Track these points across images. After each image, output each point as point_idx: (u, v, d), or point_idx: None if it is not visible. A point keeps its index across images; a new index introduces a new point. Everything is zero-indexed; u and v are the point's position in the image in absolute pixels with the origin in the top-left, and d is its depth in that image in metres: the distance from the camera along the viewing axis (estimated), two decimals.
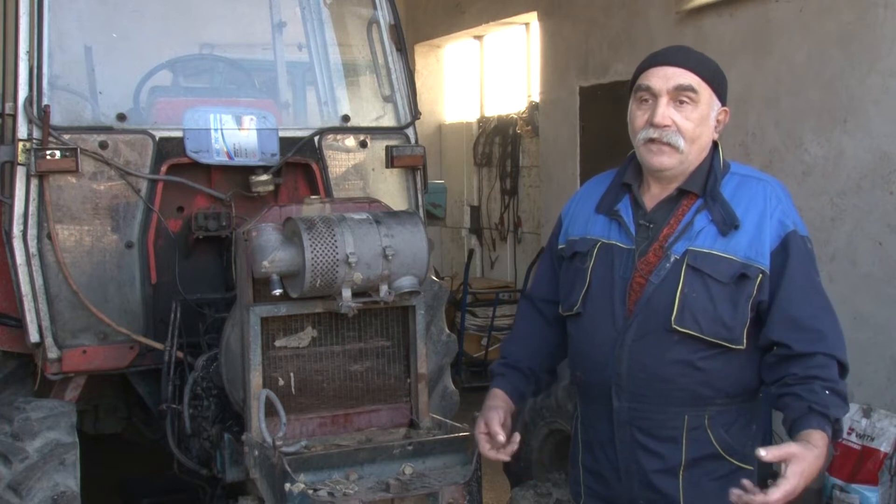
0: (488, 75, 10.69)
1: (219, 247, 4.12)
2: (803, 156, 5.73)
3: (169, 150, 3.99)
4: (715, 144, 2.59)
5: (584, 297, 2.59)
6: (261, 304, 3.31)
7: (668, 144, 2.49)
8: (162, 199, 4.00)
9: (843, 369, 2.42)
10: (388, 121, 4.48)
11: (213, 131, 4.05)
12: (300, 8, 4.77)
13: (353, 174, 4.34)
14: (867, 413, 5.07)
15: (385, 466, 3.18)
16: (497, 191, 9.92)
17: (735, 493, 2.21)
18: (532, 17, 9.07)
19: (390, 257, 3.23)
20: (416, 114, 4.45)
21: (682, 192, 2.55)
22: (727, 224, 2.47)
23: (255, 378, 3.28)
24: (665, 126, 2.48)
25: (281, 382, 3.37)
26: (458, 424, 3.45)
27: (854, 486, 4.99)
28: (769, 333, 2.45)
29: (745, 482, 2.23)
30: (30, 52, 3.80)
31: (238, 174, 4.11)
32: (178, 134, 4.01)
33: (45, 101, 3.77)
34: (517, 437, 2.56)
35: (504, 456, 2.57)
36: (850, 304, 5.22)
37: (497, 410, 2.62)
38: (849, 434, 5.09)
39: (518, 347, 2.80)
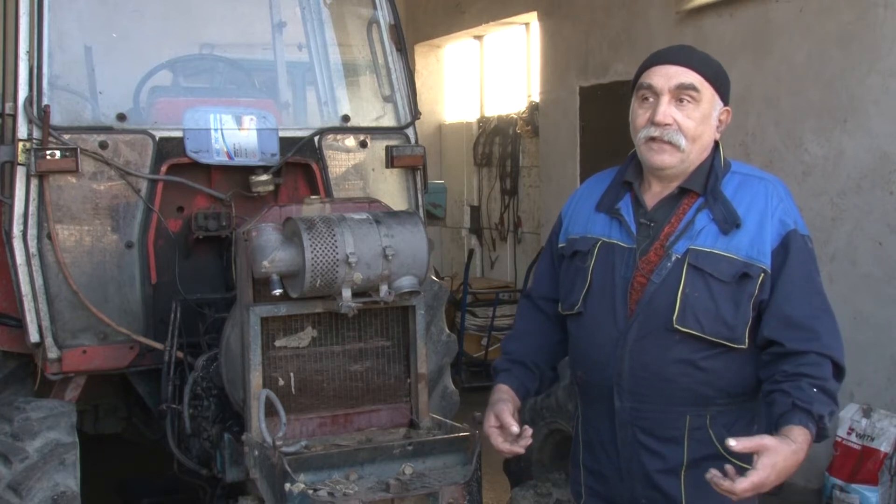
0: (488, 75, 10.69)
1: (219, 247, 4.12)
2: (803, 156, 5.73)
3: (169, 150, 3.99)
4: (716, 144, 2.59)
5: (585, 297, 2.59)
6: (261, 304, 3.31)
7: (670, 143, 2.49)
8: (162, 199, 4.00)
9: (838, 370, 2.40)
10: (388, 121, 4.48)
11: (213, 131, 4.05)
12: (300, 8, 4.77)
13: (353, 174, 4.34)
14: (867, 413, 5.07)
15: (385, 466, 3.18)
16: (497, 191, 9.92)
17: (712, 471, 2.22)
18: (532, 17, 9.07)
19: (390, 257, 3.23)
20: (416, 114, 4.45)
21: (683, 191, 2.55)
22: (728, 223, 2.47)
23: (255, 378, 3.28)
24: (666, 125, 2.48)
25: (281, 382, 3.37)
26: (458, 424, 3.45)
27: (854, 486, 4.99)
28: (764, 331, 2.45)
29: (728, 467, 2.23)
30: (30, 52, 3.80)
31: (238, 174, 4.11)
32: (178, 134, 4.01)
33: (45, 101, 3.77)
34: (529, 429, 2.55)
35: (519, 448, 2.56)
36: (850, 304, 5.22)
37: (506, 403, 2.61)
38: (849, 434, 5.10)
39: (520, 345, 2.79)
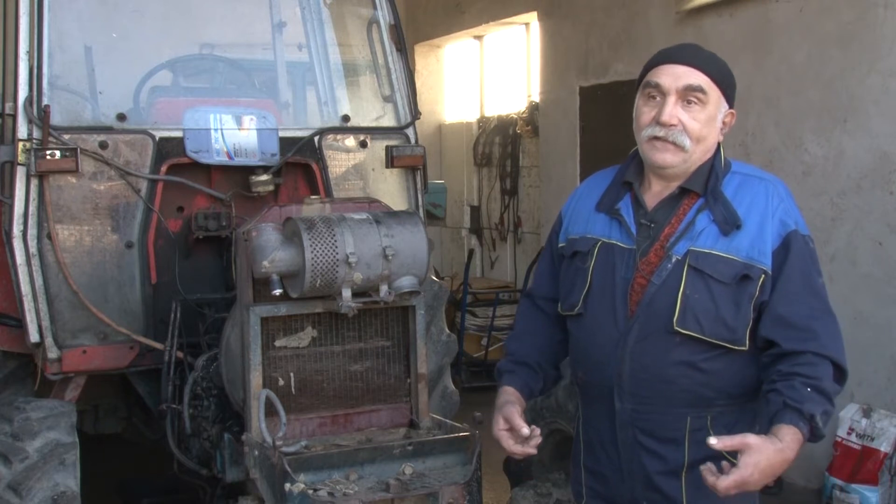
0: (488, 75, 10.69)
1: (219, 247, 4.12)
2: (803, 156, 5.73)
3: (169, 150, 3.99)
4: (717, 144, 2.58)
5: (586, 298, 2.58)
6: (261, 304, 3.31)
7: (673, 143, 2.48)
8: (162, 199, 4.00)
9: (838, 371, 2.39)
10: (388, 121, 4.48)
11: (213, 131, 4.05)
12: (300, 8, 4.77)
13: (353, 174, 4.34)
14: (867, 413, 5.07)
15: (385, 466, 3.18)
16: (497, 191, 9.92)
17: (706, 464, 2.23)
18: (532, 17, 9.07)
19: (390, 257, 3.23)
20: (416, 114, 4.45)
21: (683, 192, 2.54)
22: (729, 224, 2.46)
23: (255, 378, 3.28)
24: (672, 125, 2.47)
25: (281, 382, 3.37)
26: (458, 424, 3.45)
27: (854, 486, 4.99)
28: (762, 331, 2.44)
29: (724, 463, 2.23)
30: (30, 52, 3.80)
31: (238, 174, 4.11)
32: (178, 134, 4.01)
33: (45, 101, 3.77)
34: (537, 429, 2.55)
35: (531, 449, 2.55)
36: (850, 304, 5.22)
37: (514, 405, 2.60)
38: (849, 434, 5.10)
39: (523, 345, 2.78)
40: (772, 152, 5.92)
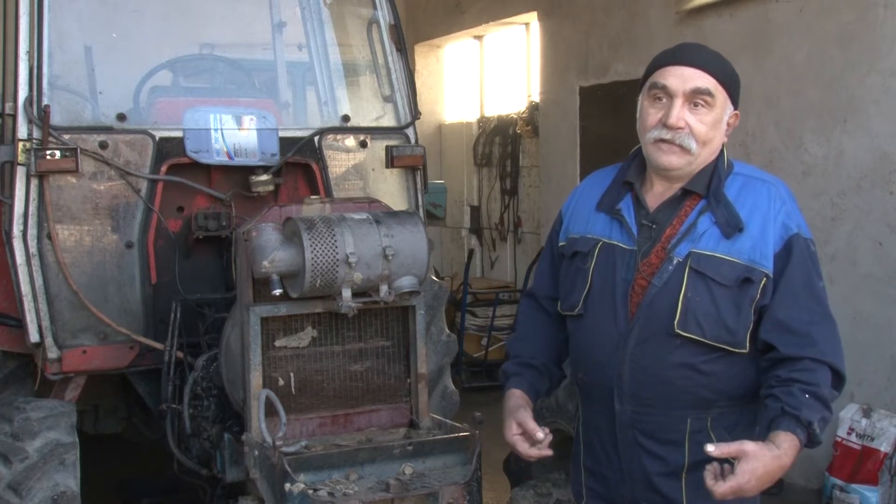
0: (488, 75, 10.69)
1: (219, 247, 4.12)
2: (803, 156, 5.73)
3: (169, 150, 3.99)
4: (721, 145, 2.56)
5: (586, 298, 2.57)
6: (261, 304, 3.31)
7: (680, 146, 2.46)
8: (162, 199, 4.00)
9: (836, 377, 2.38)
10: (388, 121, 4.48)
11: (213, 131, 4.05)
12: (300, 8, 4.77)
13: (353, 174, 4.34)
14: (867, 413, 5.07)
15: (385, 466, 3.18)
16: (497, 191, 9.92)
17: (708, 466, 2.24)
18: (532, 17, 9.07)
19: (390, 257, 3.23)
20: (416, 114, 4.45)
21: (685, 193, 2.53)
22: (731, 226, 2.44)
23: (255, 378, 3.28)
24: (679, 128, 2.45)
25: (281, 382, 3.37)
26: (458, 424, 3.45)
27: (854, 486, 4.99)
28: (762, 334, 2.44)
29: (726, 467, 2.23)
30: (30, 52, 3.80)
31: (238, 174, 4.11)
32: (178, 134, 4.01)
33: (45, 101, 3.77)
34: (548, 430, 2.54)
35: (547, 451, 2.54)
36: (850, 304, 5.22)
37: (525, 409, 2.59)
38: (849, 434, 5.10)
39: (528, 345, 2.77)
40: (772, 152, 5.92)
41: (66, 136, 3.81)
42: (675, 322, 2.42)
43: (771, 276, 2.43)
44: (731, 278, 2.42)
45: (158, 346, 3.86)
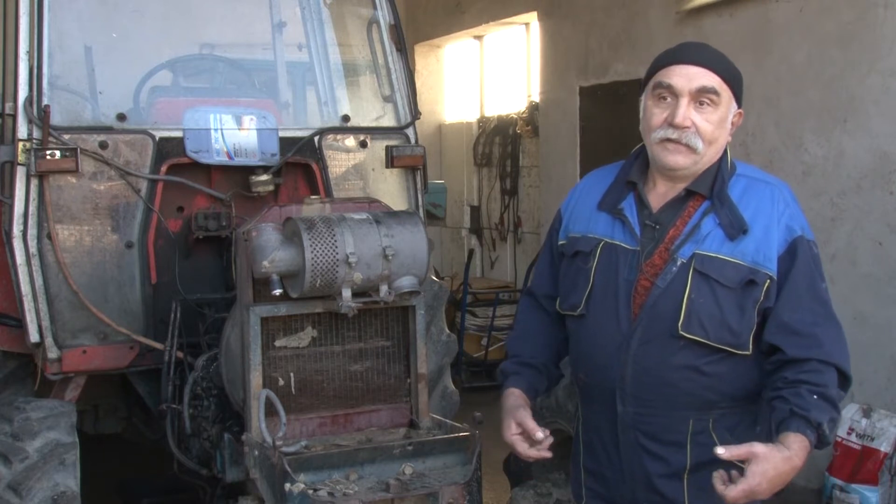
0: (488, 75, 10.69)
1: (219, 247, 4.12)
2: (803, 156, 5.73)
3: (169, 150, 3.99)
4: (725, 145, 2.56)
5: (587, 298, 2.56)
6: (261, 304, 3.31)
7: (686, 145, 2.45)
8: (162, 199, 4.00)
9: (842, 378, 2.39)
10: (388, 121, 4.48)
11: (213, 131, 4.05)
12: (300, 8, 4.77)
13: (353, 174, 4.34)
14: (867, 413, 5.07)
15: (385, 466, 3.18)
16: (497, 191, 9.92)
17: (717, 472, 2.23)
18: (532, 17, 9.07)
19: (390, 257, 3.23)
20: (416, 114, 4.45)
21: (689, 193, 2.51)
22: (735, 228, 2.44)
23: (255, 378, 3.28)
24: (685, 127, 2.44)
25: (281, 382, 3.37)
26: (458, 424, 3.45)
27: (854, 486, 4.99)
28: (767, 337, 2.43)
29: (734, 473, 2.22)
30: (30, 52, 3.80)
31: (238, 174, 4.11)
32: (178, 134, 4.01)
33: (45, 101, 3.77)
34: (548, 431, 2.54)
35: (546, 452, 2.54)
36: (850, 304, 5.22)
37: (525, 409, 2.58)
38: (849, 434, 5.10)
39: (527, 344, 2.77)
40: (772, 152, 5.92)
41: (66, 136, 3.81)
42: (679, 324, 2.42)
43: (775, 278, 2.42)
44: (735, 280, 2.41)
45: (158, 346, 3.86)
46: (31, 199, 3.75)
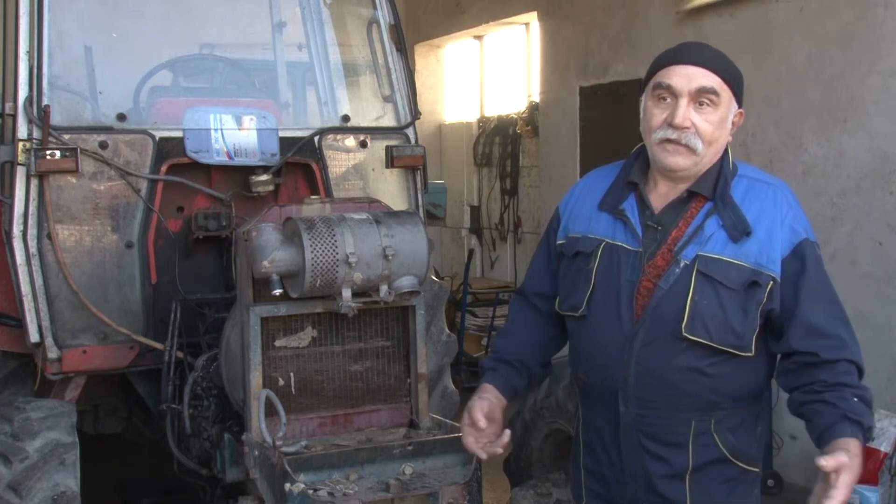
0: (488, 75, 10.69)
1: (219, 247, 4.12)
2: (803, 156, 5.73)
3: (169, 150, 3.99)
4: (726, 146, 2.55)
5: (589, 299, 2.55)
6: (261, 304, 3.31)
7: (686, 146, 2.44)
8: (162, 199, 4.00)
9: (861, 374, 2.42)
10: (388, 121, 4.48)
11: (213, 131, 4.05)
12: (300, 8, 4.77)
13: (353, 174, 4.34)
14: None
15: (385, 466, 3.18)
16: (497, 191, 9.92)
17: (819, 491, 2.22)
18: (532, 17, 9.07)
19: (390, 257, 3.23)
20: (416, 114, 4.45)
21: (691, 194, 2.51)
22: (738, 230, 2.43)
23: (255, 378, 3.28)
24: (685, 128, 2.43)
25: (281, 382, 3.37)
26: (458, 424, 3.44)
27: (854, 485, 4.98)
28: (792, 343, 2.42)
29: (818, 487, 2.21)
30: (30, 52, 3.80)
31: (238, 174, 4.11)
32: (178, 134, 4.01)
33: (45, 101, 3.77)
34: (505, 437, 2.56)
35: (482, 453, 2.59)
36: (850, 304, 5.17)
37: (482, 401, 2.61)
38: None
39: (510, 342, 2.77)
40: (772, 152, 5.92)
41: (66, 136, 3.81)
42: (683, 325, 2.41)
43: (778, 279, 2.42)
44: (739, 282, 2.41)
45: (158, 346, 3.86)
46: (31, 199, 3.75)
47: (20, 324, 3.85)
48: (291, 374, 3.39)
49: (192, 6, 4.66)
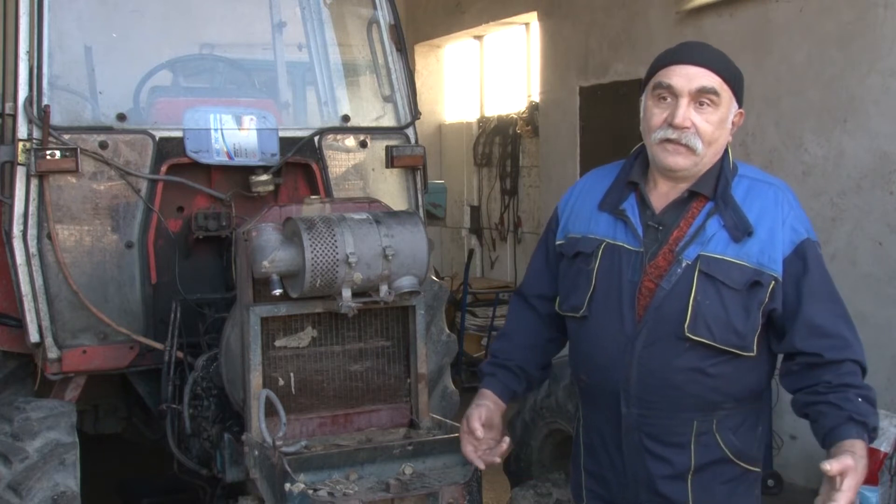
0: (488, 75, 10.69)
1: (219, 247, 4.12)
2: (803, 156, 5.73)
3: (169, 150, 3.99)
4: (726, 145, 2.55)
5: (590, 300, 2.54)
6: (261, 304, 3.31)
7: (686, 146, 2.43)
8: (162, 199, 4.00)
9: (864, 373, 2.42)
10: (388, 121, 4.48)
11: (213, 131, 4.05)
12: (300, 8, 4.77)
13: (353, 174, 4.34)
14: None
15: (385, 466, 3.18)
16: (497, 191, 9.92)
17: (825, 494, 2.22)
18: (532, 17, 9.07)
19: (390, 257, 3.23)
20: (416, 114, 4.45)
21: (691, 194, 2.50)
22: (740, 230, 2.43)
23: (255, 378, 3.28)
24: (685, 128, 2.42)
25: (281, 382, 3.37)
26: (458, 424, 3.44)
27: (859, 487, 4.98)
28: (796, 343, 2.42)
29: (823, 491, 2.22)
30: (30, 52, 3.80)
31: (238, 174, 4.11)
32: (178, 134, 4.01)
33: (45, 101, 3.77)
34: (503, 445, 2.56)
35: (479, 462, 2.60)
36: (850, 304, 5.15)
37: (480, 408, 2.61)
38: None
39: (508, 345, 2.76)
40: (772, 152, 5.92)
41: (66, 136, 3.81)
42: (686, 325, 2.41)
43: (780, 279, 2.42)
44: (741, 282, 2.41)
45: (158, 346, 3.86)
46: (31, 199, 3.75)
47: (20, 324, 3.85)
48: (291, 374, 3.39)
49: (192, 6, 4.66)
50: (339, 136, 4.32)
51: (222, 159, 4.06)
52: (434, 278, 4.67)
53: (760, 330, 2.44)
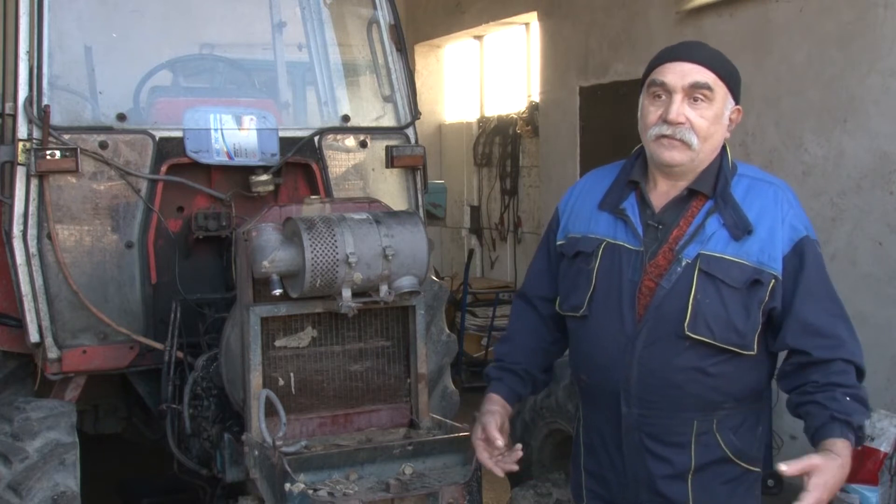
0: (488, 75, 10.69)
1: (219, 247, 4.12)
2: (803, 156, 5.73)
3: (169, 150, 3.99)
4: (724, 144, 2.55)
5: (590, 300, 2.54)
6: (261, 304, 3.32)
7: (681, 141, 2.44)
8: (162, 199, 4.00)
9: (860, 374, 2.41)
10: (388, 121, 4.48)
11: (213, 131, 4.05)
12: (300, 8, 4.77)
13: (353, 174, 4.34)
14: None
15: (385, 466, 3.18)
16: (497, 191, 9.92)
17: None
18: (532, 17, 9.07)
19: (390, 257, 3.23)
20: (416, 114, 4.45)
21: (691, 193, 2.51)
22: (740, 229, 2.43)
23: (255, 378, 3.28)
24: (679, 123, 2.43)
25: (281, 382, 3.37)
26: (458, 424, 3.45)
27: (854, 486, 4.98)
28: (787, 340, 2.42)
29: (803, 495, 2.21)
30: (30, 52, 3.80)
31: (238, 174, 4.11)
32: (178, 134, 4.01)
33: (45, 101, 3.77)
34: (518, 451, 2.55)
35: (499, 470, 2.57)
36: (850, 304, 5.16)
37: (494, 415, 2.60)
38: None
39: (513, 348, 2.76)
40: (772, 152, 5.91)
41: (66, 136, 3.81)
42: (686, 324, 2.41)
43: (780, 278, 2.42)
44: (741, 280, 2.41)
45: (158, 346, 3.86)
46: (31, 199, 3.75)
47: (20, 324, 3.85)
48: (291, 374, 3.39)
49: (192, 6, 4.66)
50: (339, 136, 4.32)
51: (222, 159, 4.06)
52: (434, 278, 4.67)
53: (761, 329, 2.44)
